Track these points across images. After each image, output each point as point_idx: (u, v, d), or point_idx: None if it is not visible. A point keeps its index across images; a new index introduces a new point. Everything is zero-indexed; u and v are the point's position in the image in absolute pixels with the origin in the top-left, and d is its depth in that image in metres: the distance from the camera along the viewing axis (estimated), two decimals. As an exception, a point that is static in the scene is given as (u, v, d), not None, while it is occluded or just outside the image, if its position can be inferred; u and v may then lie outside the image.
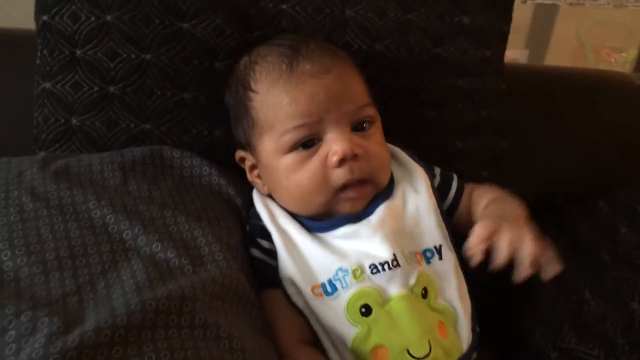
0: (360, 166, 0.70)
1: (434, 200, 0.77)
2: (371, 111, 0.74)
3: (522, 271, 0.64)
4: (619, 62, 2.09)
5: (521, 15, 2.36)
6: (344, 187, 0.71)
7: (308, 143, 0.71)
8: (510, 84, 0.97)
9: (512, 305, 0.89)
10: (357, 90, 0.73)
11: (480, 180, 0.91)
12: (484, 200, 0.80)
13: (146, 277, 0.56)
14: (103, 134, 0.78)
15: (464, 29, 0.89)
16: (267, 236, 0.73)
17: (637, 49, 1.90)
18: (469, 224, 0.76)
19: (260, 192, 0.78)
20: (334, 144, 0.69)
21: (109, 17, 0.78)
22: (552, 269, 0.65)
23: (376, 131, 0.75)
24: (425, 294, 0.70)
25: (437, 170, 0.83)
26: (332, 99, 0.69)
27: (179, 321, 0.53)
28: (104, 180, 0.68)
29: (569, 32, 2.36)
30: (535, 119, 1.07)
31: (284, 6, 0.84)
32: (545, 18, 2.38)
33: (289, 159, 0.71)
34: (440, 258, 0.74)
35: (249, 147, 0.76)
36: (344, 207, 0.72)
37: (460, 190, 0.83)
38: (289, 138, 0.70)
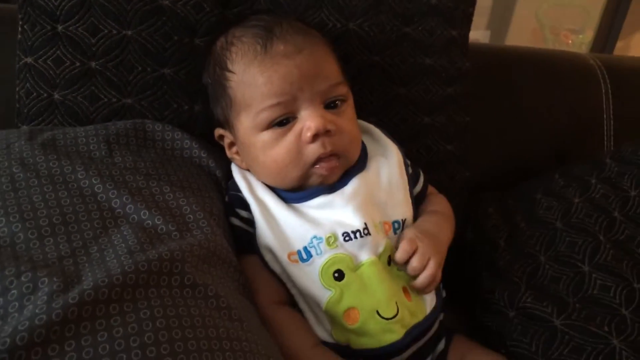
0: (333, 141, 0.74)
1: (404, 175, 0.83)
2: (343, 89, 0.78)
3: (417, 284, 0.76)
4: (575, 44, 2.18)
5: (483, -4, 2.41)
6: (317, 161, 0.75)
7: (283, 121, 0.74)
8: (473, 62, 1.03)
9: (475, 269, 0.95)
10: (330, 69, 0.77)
11: (447, 152, 0.97)
12: (428, 207, 0.88)
13: (137, 241, 0.60)
14: (85, 108, 0.81)
15: (432, 10, 0.93)
16: (246, 206, 0.77)
17: (593, 31, 1.98)
18: None
19: (238, 167, 0.82)
20: (308, 121, 0.73)
21: (90, -7, 0.80)
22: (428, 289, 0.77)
23: (348, 108, 0.79)
24: (389, 262, 0.75)
25: (409, 162, 0.87)
26: (305, 78, 0.73)
27: (170, 281, 0.57)
28: (90, 152, 0.71)
29: (528, 14, 2.43)
30: (496, 97, 1.13)
31: (261, -15, 0.87)
32: (505, 0, 2.44)
33: (266, 136, 0.75)
34: (403, 230, 0.79)
35: (227, 125, 0.80)
36: (317, 181, 0.77)
37: (425, 187, 0.89)
38: (265, 116, 0.74)
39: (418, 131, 0.94)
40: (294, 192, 0.78)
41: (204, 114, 0.85)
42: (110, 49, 0.81)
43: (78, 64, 0.80)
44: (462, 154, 0.99)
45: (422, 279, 0.75)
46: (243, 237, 0.76)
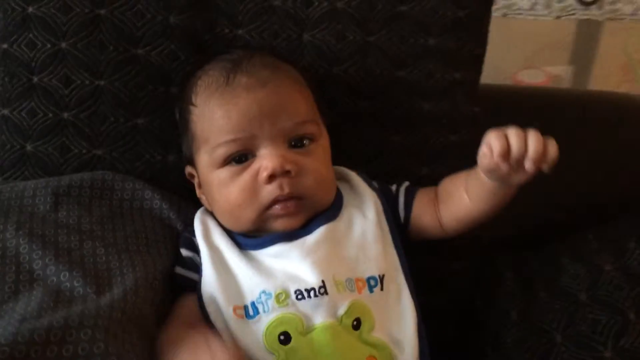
0: (292, 182, 0.69)
1: (384, 227, 0.75)
2: (312, 128, 0.72)
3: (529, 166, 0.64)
4: (671, 77, 1.95)
5: (564, 30, 2.25)
6: (274, 203, 0.69)
7: (242, 158, 0.70)
8: (495, 105, 0.93)
9: (480, 345, 0.83)
10: (297, 105, 0.72)
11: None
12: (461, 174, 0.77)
13: (38, 307, 0.56)
14: (56, 160, 0.80)
15: (430, 51, 0.85)
16: (191, 246, 0.73)
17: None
18: (433, 227, 0.78)
19: (206, 210, 0.77)
20: (265, 160, 0.68)
21: (63, 44, 0.79)
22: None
23: (318, 148, 0.73)
24: (357, 326, 0.66)
25: (393, 187, 0.81)
26: (266, 114, 0.69)
27: (60, 352, 0.52)
28: (34, 205, 0.69)
29: (615, 47, 2.23)
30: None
31: (240, 31, 0.83)
32: (589, 33, 2.26)
33: (222, 173, 0.71)
34: (382, 289, 0.70)
35: (192, 162, 0.76)
36: (276, 225, 0.70)
37: (410, 194, 0.80)
38: (221, 152, 0.70)
39: (415, 184, 0.85)
40: (252, 238, 0.72)
41: (177, 164, 0.81)
42: (83, 100, 0.80)
43: (51, 115, 0.80)
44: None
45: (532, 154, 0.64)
46: (185, 284, 0.71)
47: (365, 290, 0.69)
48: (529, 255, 0.92)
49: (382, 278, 0.70)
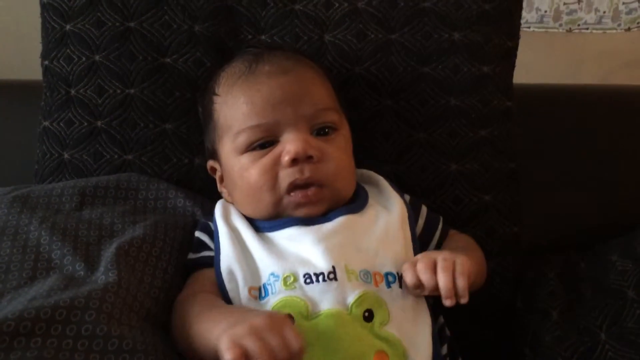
0: (314, 168, 0.68)
1: (407, 232, 0.72)
2: (334, 116, 0.72)
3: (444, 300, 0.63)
4: None
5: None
6: (294, 188, 0.68)
7: (265, 145, 0.70)
8: (536, 102, 0.90)
9: (519, 345, 0.78)
10: (318, 93, 0.72)
11: (483, 204, 0.83)
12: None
13: (49, 288, 0.57)
14: (90, 166, 0.83)
15: (455, 46, 0.83)
16: (207, 230, 0.74)
17: None
18: None
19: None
20: (288, 144, 0.68)
21: (97, 57, 0.84)
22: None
23: (339, 137, 0.73)
24: (369, 318, 0.63)
25: (424, 210, 0.78)
26: (289, 100, 0.69)
27: (64, 331, 0.53)
28: (61, 204, 0.72)
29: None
30: (573, 140, 0.96)
31: (263, 37, 0.85)
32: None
33: (244, 158, 0.71)
34: (401, 286, 0.67)
35: (215, 154, 0.77)
36: (296, 213, 0.70)
37: (443, 236, 0.77)
38: (245, 138, 0.70)
39: (443, 180, 0.82)
40: (269, 221, 0.71)
41: (204, 167, 0.83)
42: (114, 108, 0.83)
43: (86, 123, 0.84)
44: (506, 206, 0.83)
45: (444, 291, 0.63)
46: (199, 266, 0.71)
47: (383, 285, 0.66)
48: (577, 255, 0.86)
49: (400, 276, 0.67)
